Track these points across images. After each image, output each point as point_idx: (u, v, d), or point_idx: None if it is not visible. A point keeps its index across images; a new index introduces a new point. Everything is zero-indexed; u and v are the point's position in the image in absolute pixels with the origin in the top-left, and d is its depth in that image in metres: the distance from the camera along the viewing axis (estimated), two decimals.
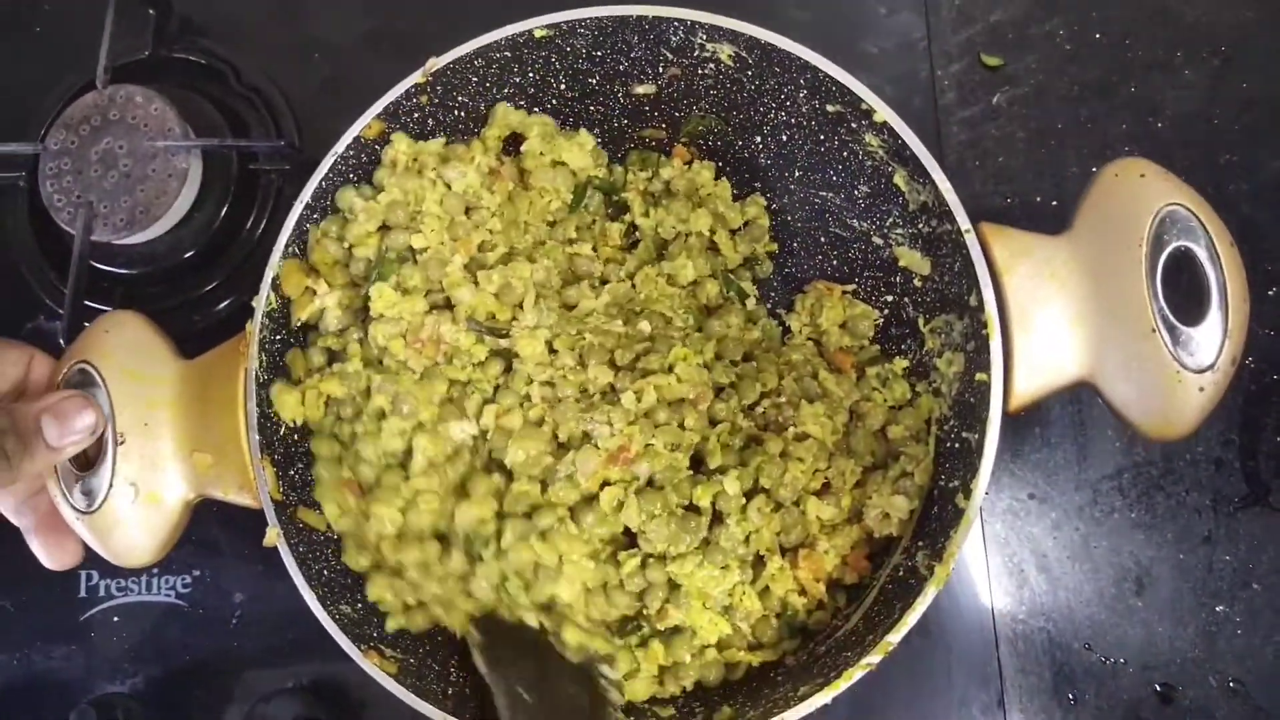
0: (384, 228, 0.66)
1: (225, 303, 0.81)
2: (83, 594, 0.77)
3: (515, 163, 0.71)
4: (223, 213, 0.81)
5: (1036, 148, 0.78)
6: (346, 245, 0.66)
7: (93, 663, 0.76)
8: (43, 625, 0.77)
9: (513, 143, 0.72)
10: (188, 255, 0.81)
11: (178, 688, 0.75)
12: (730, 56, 0.65)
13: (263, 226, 0.82)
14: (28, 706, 0.76)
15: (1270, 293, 0.74)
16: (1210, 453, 0.72)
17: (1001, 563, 0.72)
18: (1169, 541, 0.71)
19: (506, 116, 0.70)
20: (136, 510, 0.59)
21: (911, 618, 0.55)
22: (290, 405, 0.63)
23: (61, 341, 0.76)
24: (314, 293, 0.66)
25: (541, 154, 0.70)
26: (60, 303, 0.81)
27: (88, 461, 0.59)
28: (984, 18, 0.81)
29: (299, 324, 0.66)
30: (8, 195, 0.84)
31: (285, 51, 0.86)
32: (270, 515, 0.59)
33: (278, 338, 0.64)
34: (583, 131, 0.72)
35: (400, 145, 0.67)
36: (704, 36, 0.64)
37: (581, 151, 0.71)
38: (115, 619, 0.77)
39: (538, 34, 0.64)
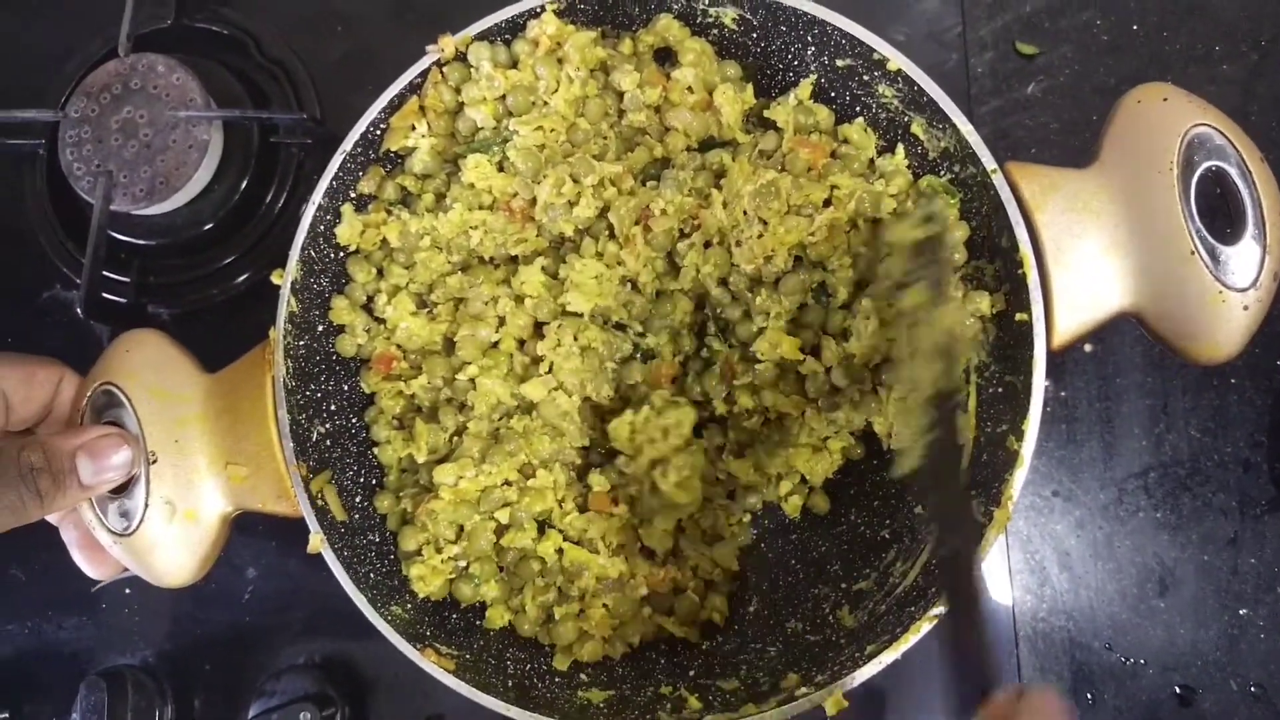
0: (503, 98, 0.65)
1: (243, 276, 0.81)
2: None
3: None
4: (243, 186, 0.80)
5: (1070, 139, 0.76)
6: (459, 100, 0.66)
7: (103, 635, 0.76)
8: (54, 596, 0.77)
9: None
10: (206, 228, 0.80)
11: (188, 662, 0.74)
12: (734, 20, 0.64)
13: (282, 201, 0.82)
14: (38, 676, 0.76)
15: None
16: (1238, 455, 0.71)
17: (1023, 560, 0.71)
18: (1194, 543, 0.70)
19: (669, 28, 0.66)
20: (174, 529, 0.58)
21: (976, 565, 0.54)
22: (348, 231, 0.64)
23: (79, 311, 0.76)
24: (413, 128, 0.65)
25: (690, 89, 0.65)
26: (77, 271, 0.80)
27: (122, 484, 0.58)
28: (1019, 6, 0.79)
29: (385, 151, 0.66)
30: (26, 162, 0.84)
31: (307, 23, 0.85)
32: (312, 523, 0.58)
33: (301, 344, 0.63)
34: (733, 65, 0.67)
35: (549, 25, 0.64)
36: (706, 1, 0.63)
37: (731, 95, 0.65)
38: (127, 591, 0.76)
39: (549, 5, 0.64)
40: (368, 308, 0.68)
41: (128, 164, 0.77)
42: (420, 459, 0.64)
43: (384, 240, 0.66)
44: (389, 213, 0.66)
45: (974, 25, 0.79)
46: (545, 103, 0.65)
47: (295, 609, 0.75)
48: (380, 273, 0.68)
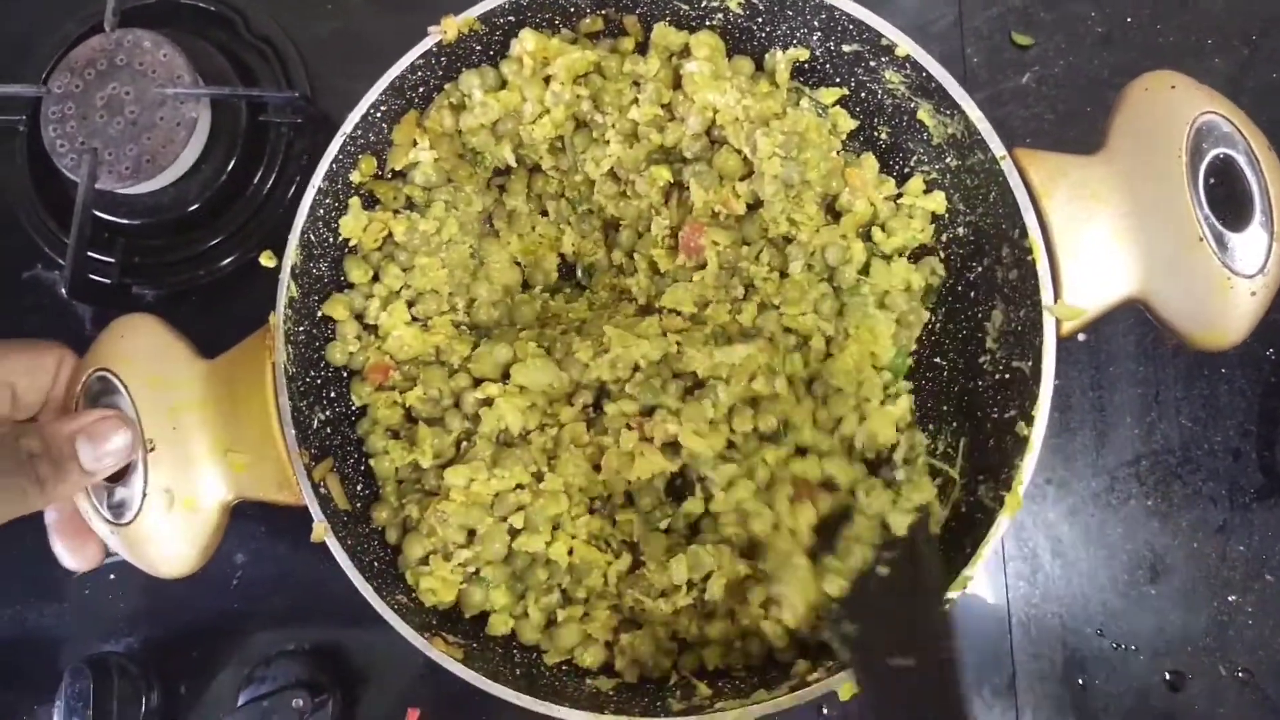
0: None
1: (230, 258, 0.79)
2: None
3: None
4: (230, 166, 0.79)
5: (1065, 129, 0.77)
6: (458, 128, 0.66)
7: (87, 622, 0.75)
8: (36, 582, 0.76)
9: None
10: (193, 208, 0.78)
11: (175, 649, 0.73)
12: (740, 4, 0.64)
13: (271, 181, 0.80)
14: (19, 664, 0.75)
15: None
16: (1228, 443, 0.72)
17: (1016, 547, 0.71)
18: (1184, 530, 0.71)
19: (665, 36, 0.65)
20: (173, 518, 0.56)
21: (986, 550, 0.55)
22: (353, 224, 0.64)
23: (63, 292, 0.74)
24: (415, 144, 0.65)
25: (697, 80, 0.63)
26: (59, 251, 0.78)
27: (118, 472, 0.56)
28: None
29: (390, 172, 0.66)
30: (6, 139, 0.81)
31: (295, 1, 0.83)
32: (316, 511, 0.57)
33: (301, 329, 0.62)
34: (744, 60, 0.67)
35: (528, 42, 0.63)
36: None
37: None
38: (111, 577, 0.75)
39: None
40: (358, 317, 0.66)
41: (113, 141, 0.75)
42: (425, 463, 0.63)
43: (385, 239, 0.65)
44: (396, 212, 0.66)
45: (970, 15, 0.79)
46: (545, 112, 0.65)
47: (284, 596, 0.74)
48: (376, 277, 0.66)
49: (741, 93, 0.62)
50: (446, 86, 0.65)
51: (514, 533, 0.61)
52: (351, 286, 0.66)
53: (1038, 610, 0.71)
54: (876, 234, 0.65)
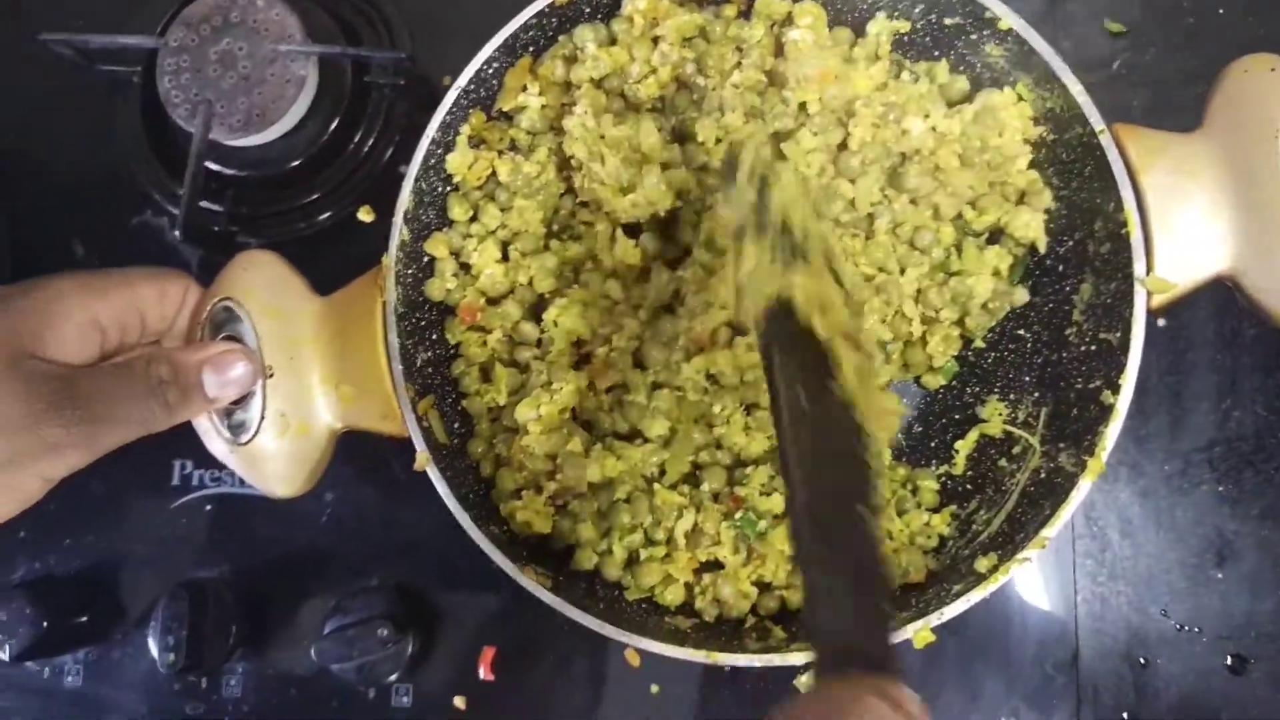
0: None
1: (329, 212, 0.82)
2: (175, 482, 0.79)
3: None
4: (334, 124, 0.82)
5: (1151, 118, 0.77)
6: (568, 79, 0.68)
7: (183, 549, 0.78)
8: (134, 510, 0.79)
9: None
10: (296, 163, 0.82)
11: (265, 579, 0.76)
12: None
13: (372, 141, 0.83)
14: (116, 587, 0.78)
15: None
16: None
17: (1085, 526, 0.72)
18: (1254, 517, 0.72)
19: (769, 4, 0.67)
20: (286, 441, 0.59)
21: (1066, 512, 0.56)
22: (459, 160, 0.66)
23: (175, 234, 0.78)
24: (524, 88, 0.67)
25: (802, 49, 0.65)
26: (167, 198, 0.82)
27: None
28: None
29: (498, 111, 0.68)
30: (120, 89, 0.85)
31: None
32: (419, 442, 0.60)
33: (410, 271, 0.65)
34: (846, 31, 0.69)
35: (639, 1, 0.65)
36: None
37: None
38: (207, 508, 0.78)
39: None
40: (456, 255, 0.69)
41: (225, 94, 0.79)
42: (502, 401, 0.66)
43: (489, 177, 0.68)
44: (501, 153, 0.68)
45: (1062, 1, 0.80)
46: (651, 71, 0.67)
47: (370, 534, 0.77)
48: (475, 217, 0.69)
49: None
50: (560, 38, 0.67)
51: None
52: (451, 225, 0.69)
53: (1104, 588, 0.72)
54: (967, 212, 0.66)
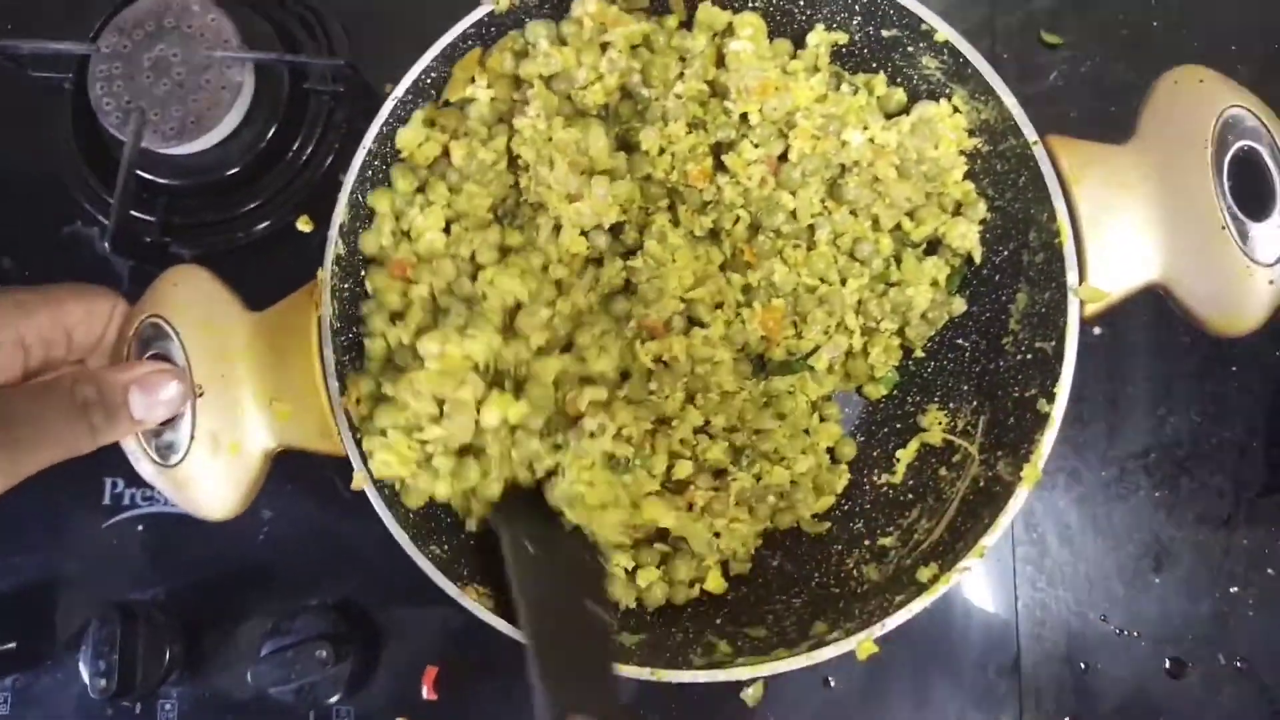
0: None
1: (267, 222, 0.81)
2: (107, 501, 0.77)
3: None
4: (271, 132, 0.80)
5: (1089, 129, 0.78)
6: (516, 72, 0.67)
7: (115, 570, 0.76)
8: (65, 530, 0.77)
9: None
10: (232, 171, 0.80)
11: (200, 600, 0.75)
12: None
13: (310, 148, 0.81)
14: (47, 609, 0.76)
15: None
16: (1236, 439, 0.74)
17: (1025, 532, 0.73)
18: (1189, 522, 0.73)
19: (710, 14, 0.67)
20: (218, 462, 0.58)
21: (1004, 520, 0.57)
22: (411, 136, 0.65)
23: (104, 246, 0.76)
24: (473, 80, 0.66)
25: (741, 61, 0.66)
26: (99, 208, 0.80)
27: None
28: None
29: (444, 102, 0.67)
30: (52, 95, 0.83)
31: None
32: (356, 461, 0.59)
33: (346, 285, 0.64)
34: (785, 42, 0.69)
35: (590, 4, 0.65)
36: None
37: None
38: (139, 528, 0.76)
39: None
40: (397, 218, 0.66)
41: (159, 102, 0.77)
42: (407, 340, 0.62)
43: (439, 158, 0.66)
44: (455, 136, 0.67)
45: (1001, 12, 0.81)
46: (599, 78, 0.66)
47: (309, 552, 0.75)
48: (421, 190, 0.67)
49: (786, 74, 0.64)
50: (511, 33, 0.66)
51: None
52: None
53: (1044, 594, 0.72)
54: (906, 223, 0.67)
